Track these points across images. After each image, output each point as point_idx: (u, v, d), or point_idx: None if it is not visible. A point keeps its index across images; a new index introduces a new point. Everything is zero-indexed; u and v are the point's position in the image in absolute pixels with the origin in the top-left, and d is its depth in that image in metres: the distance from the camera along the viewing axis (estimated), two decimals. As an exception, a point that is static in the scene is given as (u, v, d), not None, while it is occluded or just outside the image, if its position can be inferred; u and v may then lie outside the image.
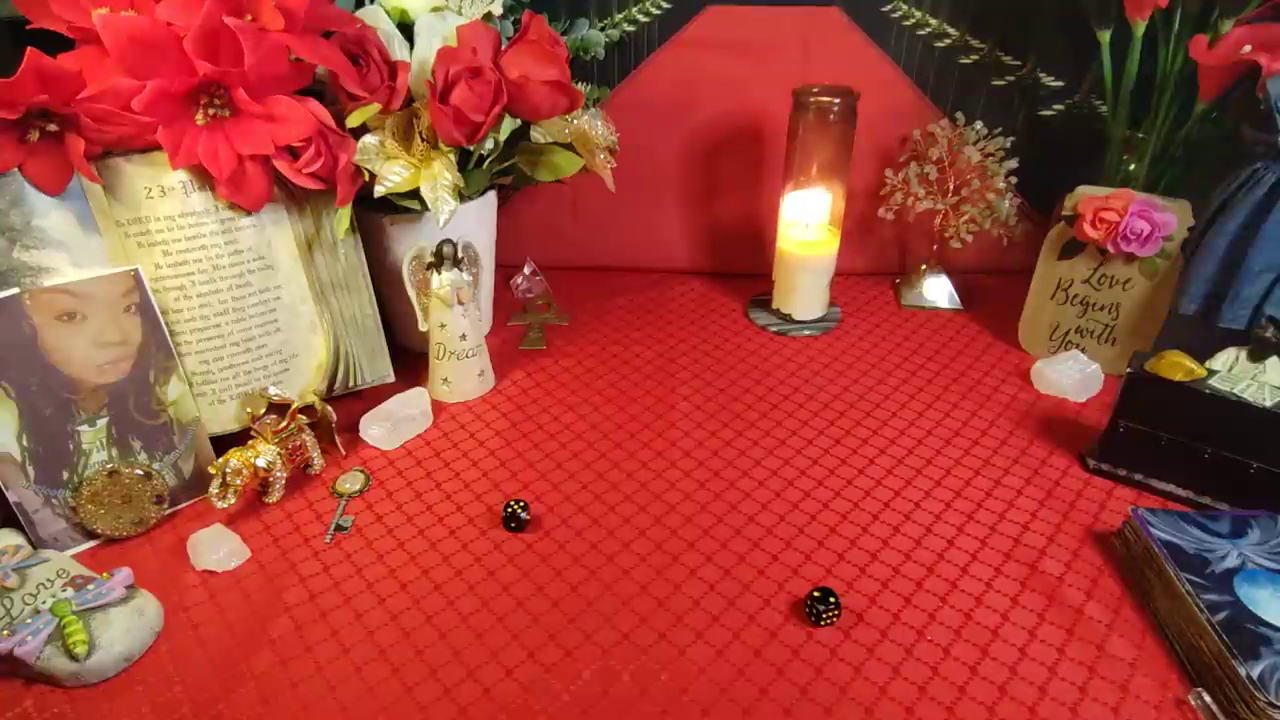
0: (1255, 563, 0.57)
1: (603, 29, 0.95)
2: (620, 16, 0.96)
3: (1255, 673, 0.48)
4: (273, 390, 0.71)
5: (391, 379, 0.80)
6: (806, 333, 0.94)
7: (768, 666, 0.54)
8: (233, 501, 0.64)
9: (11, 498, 0.59)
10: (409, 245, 0.77)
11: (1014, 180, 0.93)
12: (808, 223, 0.93)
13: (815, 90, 0.86)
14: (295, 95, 0.66)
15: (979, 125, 0.92)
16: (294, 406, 0.69)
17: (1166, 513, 0.61)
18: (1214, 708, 0.50)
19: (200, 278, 0.67)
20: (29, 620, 0.53)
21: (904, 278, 1.03)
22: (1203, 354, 0.69)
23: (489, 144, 0.77)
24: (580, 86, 0.84)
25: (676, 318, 0.97)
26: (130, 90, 0.59)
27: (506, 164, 0.81)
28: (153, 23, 0.59)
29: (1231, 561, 0.57)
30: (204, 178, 0.65)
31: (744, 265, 1.05)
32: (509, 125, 0.79)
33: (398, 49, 0.74)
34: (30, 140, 0.59)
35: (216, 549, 0.61)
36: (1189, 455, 0.66)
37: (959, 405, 0.81)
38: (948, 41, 0.96)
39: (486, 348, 0.82)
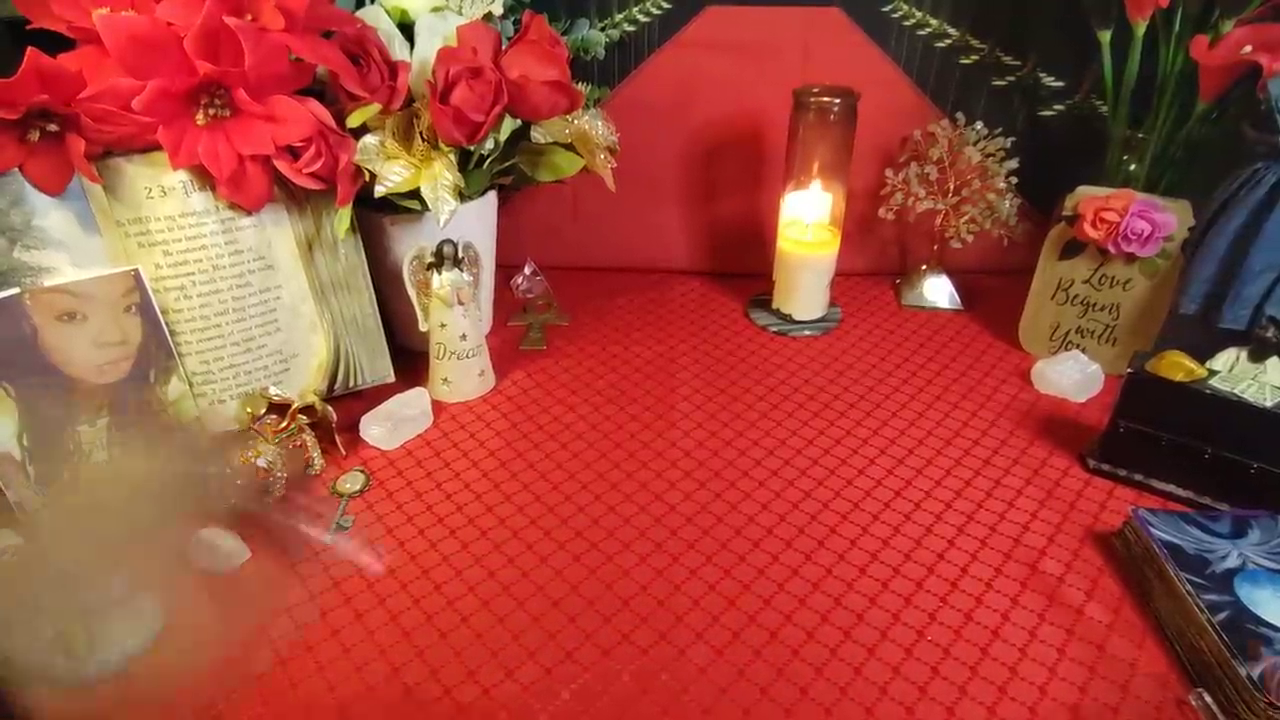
0: (1256, 563, 0.56)
1: (603, 29, 0.95)
2: (620, 16, 0.96)
3: (1255, 673, 0.48)
4: (273, 390, 0.71)
5: (391, 379, 0.80)
6: (806, 333, 0.94)
7: (768, 666, 0.54)
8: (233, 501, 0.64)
9: (11, 497, 0.59)
10: (409, 245, 0.77)
11: (1014, 180, 0.93)
12: (808, 223, 0.93)
13: (815, 90, 0.86)
14: (295, 95, 0.66)
15: (979, 125, 0.92)
16: (294, 406, 0.69)
17: (1167, 513, 0.61)
18: (1214, 708, 0.50)
19: (200, 278, 0.67)
20: (29, 620, 0.53)
21: (904, 278, 1.03)
22: (1203, 354, 0.69)
23: (489, 144, 0.77)
24: (580, 86, 0.84)
25: (676, 318, 0.97)
26: (130, 90, 0.59)
27: (507, 164, 0.81)
28: (153, 23, 0.59)
29: (1232, 562, 0.57)
30: (204, 178, 0.65)
31: (744, 265, 1.05)
32: (509, 125, 0.79)
33: (398, 49, 0.74)
34: (30, 140, 0.59)
35: (216, 549, 0.61)
36: (1189, 455, 0.66)
37: (959, 406, 0.81)
38: (948, 41, 0.96)
39: (487, 348, 0.82)
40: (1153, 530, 0.59)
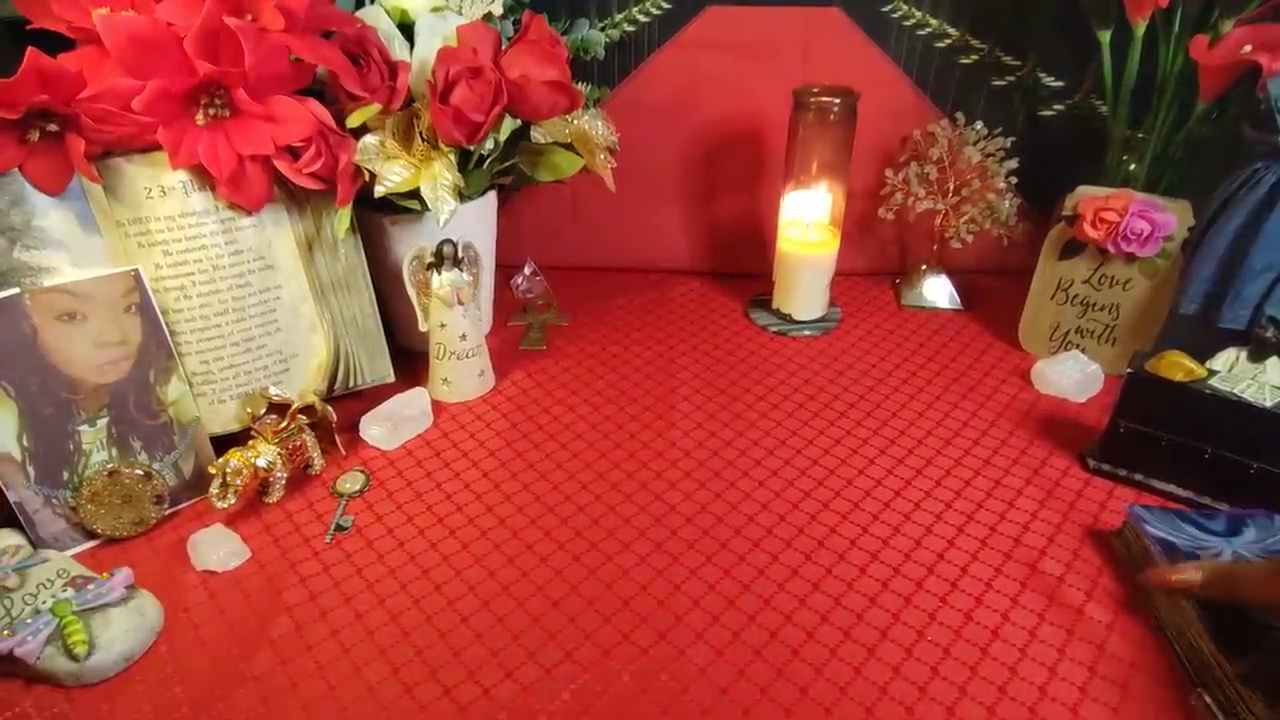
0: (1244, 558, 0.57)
1: (603, 29, 0.95)
2: (620, 16, 0.96)
3: (1248, 671, 0.48)
4: (273, 390, 0.71)
5: (391, 379, 0.80)
6: (806, 333, 0.94)
7: (768, 666, 0.54)
8: (233, 502, 0.64)
9: (11, 497, 0.59)
10: (409, 245, 0.77)
11: (1014, 180, 0.93)
12: (808, 223, 0.93)
13: (815, 90, 0.86)
14: (295, 95, 0.66)
15: (979, 125, 0.92)
16: (294, 406, 0.69)
17: (1163, 510, 0.61)
18: (1214, 708, 0.50)
19: (200, 278, 0.67)
20: (29, 620, 0.53)
21: (904, 278, 1.03)
22: (1203, 354, 0.69)
23: (489, 144, 0.77)
24: (580, 86, 0.84)
25: (676, 318, 0.97)
26: (130, 90, 0.59)
27: (506, 164, 0.81)
28: (153, 23, 0.59)
29: (1225, 559, 0.57)
30: (204, 178, 0.65)
31: (744, 265, 1.05)
32: (509, 125, 0.79)
33: (398, 49, 0.74)
34: (30, 140, 0.59)
35: (216, 549, 0.61)
36: (1189, 455, 0.66)
37: (959, 405, 0.81)
38: (948, 41, 0.96)
39: (486, 348, 0.82)
40: (1146, 527, 0.59)
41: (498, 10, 0.80)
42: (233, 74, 0.61)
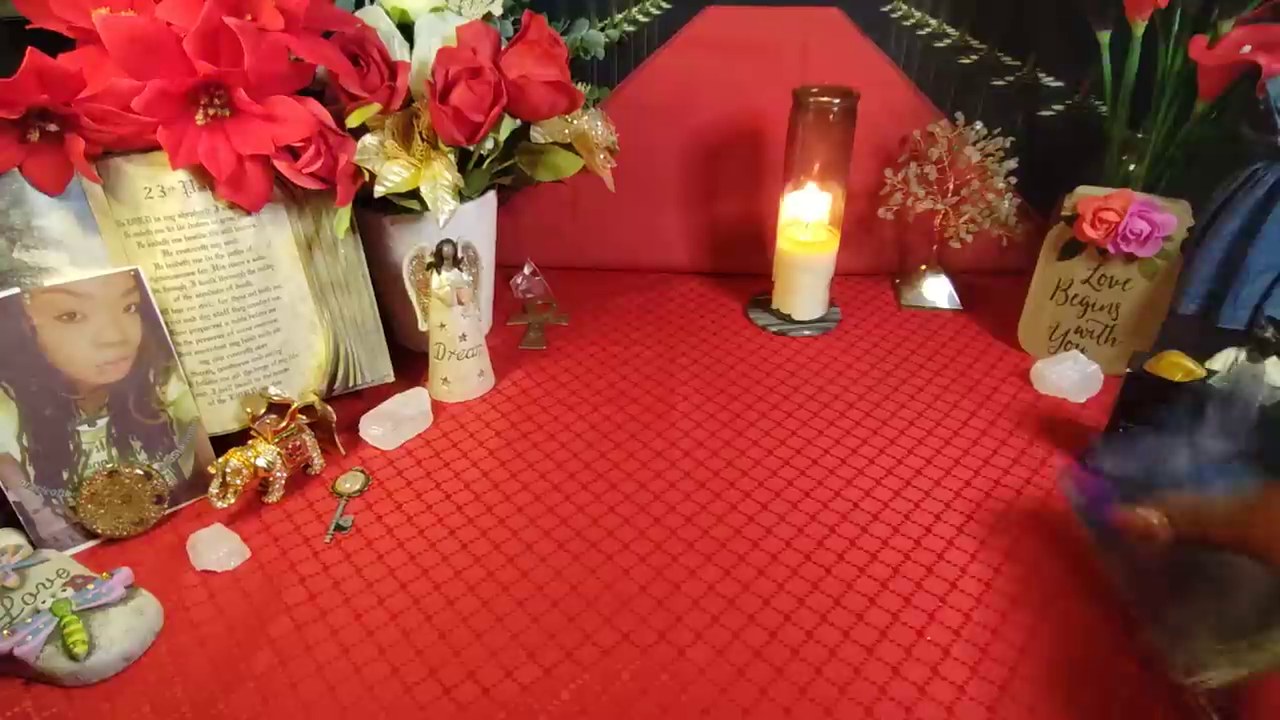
0: (1205, 455, 0.54)
1: (603, 29, 0.95)
2: (620, 16, 0.96)
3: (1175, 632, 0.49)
4: (273, 390, 0.71)
5: (391, 379, 0.80)
6: (806, 333, 0.94)
7: (768, 666, 0.54)
8: (233, 501, 0.64)
9: (11, 497, 0.59)
10: (409, 245, 0.77)
11: (1014, 180, 0.93)
12: (808, 223, 0.93)
13: (815, 90, 0.86)
14: (295, 95, 0.66)
15: (979, 125, 0.92)
16: (294, 406, 0.69)
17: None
18: (1209, 707, 0.49)
19: (200, 278, 0.67)
20: (29, 620, 0.53)
21: (904, 278, 1.03)
22: (1203, 354, 0.69)
23: (489, 144, 0.77)
24: (580, 86, 0.84)
25: (676, 318, 0.97)
26: (130, 90, 0.59)
27: (506, 164, 0.81)
28: (153, 23, 0.59)
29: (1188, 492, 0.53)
30: (204, 178, 0.65)
31: (744, 265, 1.05)
32: (509, 125, 0.79)
33: (398, 49, 0.74)
34: (30, 140, 0.59)
35: (216, 549, 0.61)
36: (1189, 455, 0.66)
37: (959, 405, 0.81)
38: (948, 41, 0.96)
39: (486, 348, 0.82)
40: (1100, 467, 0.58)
41: (498, 10, 0.80)
42: (233, 74, 0.61)
